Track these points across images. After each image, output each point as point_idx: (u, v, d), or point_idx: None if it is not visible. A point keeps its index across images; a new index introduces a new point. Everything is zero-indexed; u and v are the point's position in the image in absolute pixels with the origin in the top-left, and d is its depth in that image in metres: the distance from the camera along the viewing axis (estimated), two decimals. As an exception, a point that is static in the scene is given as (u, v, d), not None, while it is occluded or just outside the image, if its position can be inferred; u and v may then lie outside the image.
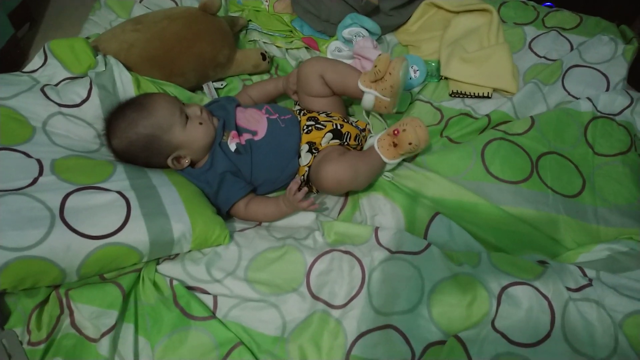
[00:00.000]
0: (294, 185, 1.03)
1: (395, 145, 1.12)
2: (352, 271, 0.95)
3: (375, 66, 1.13)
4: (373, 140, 1.16)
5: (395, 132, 1.10)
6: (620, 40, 1.43)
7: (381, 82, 1.15)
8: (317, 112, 1.24)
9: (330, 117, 1.23)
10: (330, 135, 1.17)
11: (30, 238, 0.83)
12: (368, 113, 1.35)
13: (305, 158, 1.16)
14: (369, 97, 1.18)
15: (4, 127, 0.99)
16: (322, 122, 1.20)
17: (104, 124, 1.09)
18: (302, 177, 1.16)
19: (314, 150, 1.16)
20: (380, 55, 1.13)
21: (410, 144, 1.08)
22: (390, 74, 1.13)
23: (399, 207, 1.10)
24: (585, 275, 0.97)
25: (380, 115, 1.34)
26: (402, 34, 1.61)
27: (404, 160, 1.20)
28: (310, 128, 1.19)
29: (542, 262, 1.01)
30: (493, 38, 1.46)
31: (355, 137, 1.22)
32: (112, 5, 1.55)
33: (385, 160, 1.13)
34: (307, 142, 1.17)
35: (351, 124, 1.24)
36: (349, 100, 1.41)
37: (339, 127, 1.19)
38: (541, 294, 0.92)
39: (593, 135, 1.24)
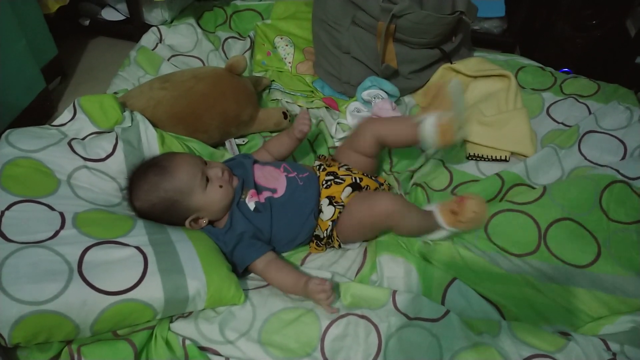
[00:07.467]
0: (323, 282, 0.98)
1: (455, 213, 1.10)
2: (368, 337, 0.92)
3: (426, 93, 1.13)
4: (432, 207, 1.15)
5: (460, 199, 1.10)
6: (638, 107, 1.43)
7: (436, 101, 1.12)
8: (337, 167, 1.24)
9: (350, 171, 1.23)
10: (349, 189, 1.17)
11: (47, 292, 0.83)
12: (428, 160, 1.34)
13: (328, 211, 1.15)
14: (429, 123, 1.13)
15: (30, 179, 1.01)
16: (341, 177, 1.20)
17: (126, 183, 1.10)
18: (325, 231, 1.15)
19: (334, 203, 1.15)
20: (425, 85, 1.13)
21: (474, 212, 1.07)
22: (444, 89, 1.12)
23: (416, 269, 1.08)
24: (608, 349, 0.93)
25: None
26: (420, 96, 1.63)
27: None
28: (329, 183, 1.19)
29: (564, 334, 0.98)
30: (511, 103, 1.47)
31: (375, 190, 1.22)
32: (141, 62, 1.61)
33: (443, 225, 1.11)
34: (327, 197, 1.17)
35: (370, 177, 1.24)
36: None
37: (357, 180, 1.20)
38: (564, 369, 0.89)
39: (608, 201, 1.20)
